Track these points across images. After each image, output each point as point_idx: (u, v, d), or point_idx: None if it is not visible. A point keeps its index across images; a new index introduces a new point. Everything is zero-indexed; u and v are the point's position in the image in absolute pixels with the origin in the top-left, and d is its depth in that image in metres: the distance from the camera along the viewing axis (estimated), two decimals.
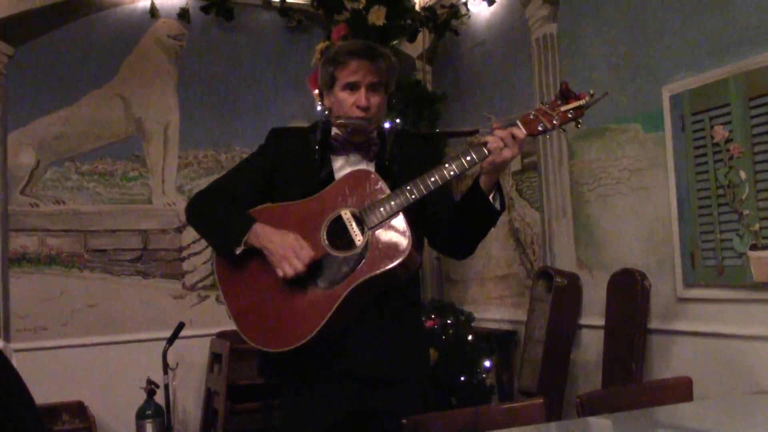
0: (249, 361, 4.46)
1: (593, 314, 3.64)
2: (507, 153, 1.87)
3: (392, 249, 1.89)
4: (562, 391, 3.71)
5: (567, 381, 3.74)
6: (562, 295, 3.73)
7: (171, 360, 4.07)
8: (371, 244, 1.91)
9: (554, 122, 1.90)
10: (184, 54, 4.87)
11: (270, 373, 2.22)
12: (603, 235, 3.62)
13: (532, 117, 1.92)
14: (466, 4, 4.67)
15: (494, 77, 4.49)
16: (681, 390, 2.12)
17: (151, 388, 4.19)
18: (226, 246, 2.02)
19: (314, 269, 1.94)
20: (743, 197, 2.84)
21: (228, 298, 2.04)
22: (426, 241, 2.19)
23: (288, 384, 2.14)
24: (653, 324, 3.30)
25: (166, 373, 4.01)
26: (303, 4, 5.01)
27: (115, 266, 4.63)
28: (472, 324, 4.12)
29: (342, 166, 2.10)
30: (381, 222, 1.91)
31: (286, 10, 5.01)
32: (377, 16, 4.15)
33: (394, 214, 1.91)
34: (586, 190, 3.72)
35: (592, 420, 1.95)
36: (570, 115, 1.91)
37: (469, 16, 4.69)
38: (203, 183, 4.78)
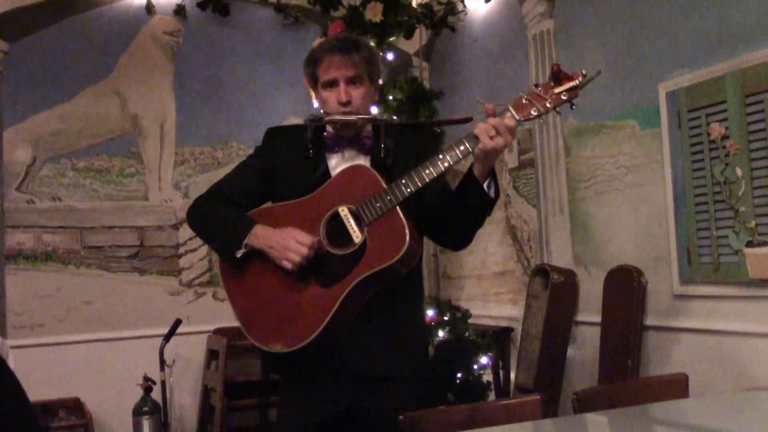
0: (246, 358, 4.46)
1: (590, 311, 3.65)
2: (499, 140, 1.85)
3: (390, 243, 1.89)
4: (559, 387, 3.72)
5: (563, 377, 3.75)
6: (558, 291, 3.74)
7: (168, 357, 4.07)
8: (369, 239, 1.91)
9: (547, 105, 1.87)
10: (181, 50, 4.86)
11: (269, 368, 2.24)
12: (599, 231, 3.62)
13: (524, 101, 1.89)
14: (462, 0, 4.66)
15: (491, 74, 4.49)
16: (677, 386, 2.12)
17: (148, 384, 4.19)
18: (228, 250, 2.04)
19: (315, 268, 1.95)
20: (739, 194, 2.85)
21: (232, 299, 2.06)
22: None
23: (287, 379, 2.15)
24: (649, 321, 3.30)
25: (162, 369, 4.00)
26: (299, 1, 5.00)
27: (111, 263, 4.63)
28: (469, 321, 4.12)
29: (338, 164, 2.10)
30: (378, 217, 1.91)
31: (282, 7, 5.00)
32: (374, 13, 4.15)
33: (391, 209, 1.91)
34: (582, 187, 3.72)
35: (589, 416, 1.95)
36: (564, 97, 1.88)
37: (466, 13, 4.68)
38: (200, 180, 4.81)
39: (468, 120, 2.10)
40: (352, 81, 2.07)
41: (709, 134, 2.97)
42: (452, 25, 4.73)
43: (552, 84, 1.90)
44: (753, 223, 2.80)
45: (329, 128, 2.11)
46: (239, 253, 2.00)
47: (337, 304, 1.90)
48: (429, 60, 5.07)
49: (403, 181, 1.90)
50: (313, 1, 4.52)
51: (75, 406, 4.26)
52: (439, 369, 3.83)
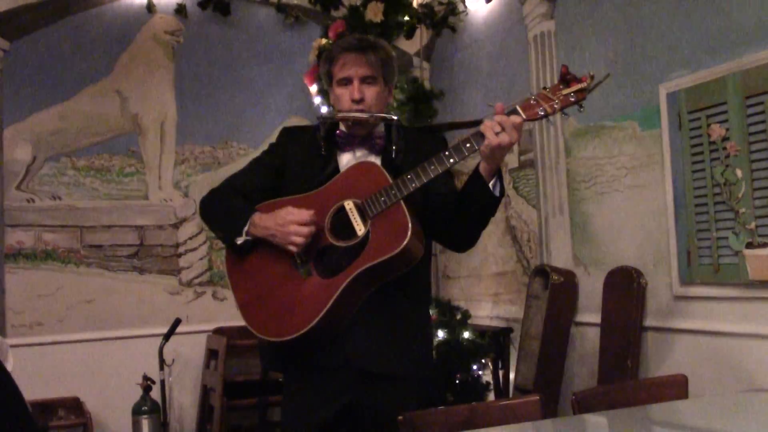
0: (245, 358, 4.46)
1: (589, 312, 3.65)
2: (504, 137, 1.85)
3: (392, 237, 1.91)
4: (558, 388, 3.71)
5: (563, 378, 3.74)
6: (558, 292, 3.74)
7: (167, 356, 4.07)
8: (372, 233, 1.93)
9: (555, 106, 1.88)
10: (181, 50, 4.86)
11: (269, 364, 2.26)
12: (599, 232, 3.62)
13: (532, 101, 1.90)
14: (463, 1, 4.67)
15: (491, 74, 4.49)
16: (677, 387, 2.12)
17: (147, 384, 4.19)
18: (229, 237, 2.07)
19: (318, 259, 1.98)
20: (739, 195, 2.85)
21: (235, 289, 2.09)
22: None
23: (287, 374, 2.17)
24: (649, 321, 3.30)
25: (162, 369, 4.01)
26: (300, 1, 5.00)
27: (111, 262, 4.63)
28: (469, 321, 4.12)
29: (349, 162, 2.12)
30: (382, 211, 1.93)
31: (283, 7, 5.00)
32: (375, 13, 4.16)
33: (396, 203, 1.92)
34: (582, 188, 3.72)
35: (588, 417, 1.95)
36: (572, 99, 1.88)
37: (467, 13, 4.68)
38: (200, 179, 4.81)
39: (478, 122, 2.11)
40: (366, 80, 2.09)
41: (709, 135, 2.97)
42: (453, 25, 4.74)
43: (561, 86, 1.90)
44: (753, 225, 2.80)
45: (342, 127, 2.14)
46: (239, 240, 2.03)
47: (336, 295, 1.92)
48: (429, 60, 5.07)
49: (409, 177, 1.92)
50: (313, 0, 4.52)
51: (74, 405, 4.26)
52: (439, 369, 3.83)
